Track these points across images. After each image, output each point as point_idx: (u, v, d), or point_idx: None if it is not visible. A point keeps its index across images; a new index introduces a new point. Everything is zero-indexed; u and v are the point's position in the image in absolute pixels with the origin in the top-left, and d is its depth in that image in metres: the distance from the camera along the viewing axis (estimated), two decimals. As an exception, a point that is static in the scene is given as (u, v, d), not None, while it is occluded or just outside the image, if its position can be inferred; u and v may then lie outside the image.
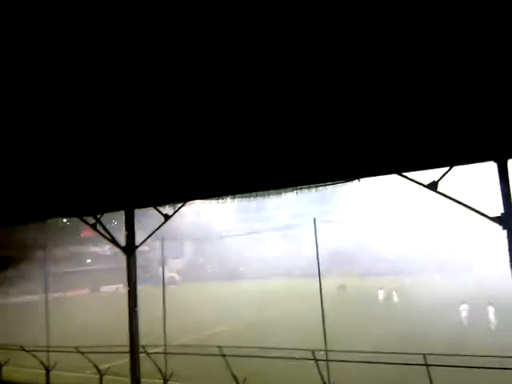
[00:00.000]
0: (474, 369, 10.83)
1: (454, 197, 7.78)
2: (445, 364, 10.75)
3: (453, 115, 6.45)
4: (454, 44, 4.43)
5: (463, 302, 27.87)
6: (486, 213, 7.55)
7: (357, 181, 9.05)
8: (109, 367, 15.44)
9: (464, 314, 27.15)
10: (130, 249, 10.96)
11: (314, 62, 4.84)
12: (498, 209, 7.63)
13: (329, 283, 35.23)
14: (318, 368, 11.85)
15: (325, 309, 13.50)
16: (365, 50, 4.58)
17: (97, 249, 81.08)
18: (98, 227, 11.07)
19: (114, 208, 11.03)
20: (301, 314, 31.38)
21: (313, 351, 12.10)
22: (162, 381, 13.85)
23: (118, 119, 6.63)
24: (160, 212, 10.49)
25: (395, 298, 37.49)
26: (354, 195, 64.13)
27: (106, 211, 10.96)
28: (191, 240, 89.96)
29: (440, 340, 21.28)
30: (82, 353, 15.12)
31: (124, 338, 11.97)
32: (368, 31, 4.20)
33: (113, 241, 11.20)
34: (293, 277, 64.45)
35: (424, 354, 10.84)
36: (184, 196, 9.89)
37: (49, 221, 12.55)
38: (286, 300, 43.67)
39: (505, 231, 7.36)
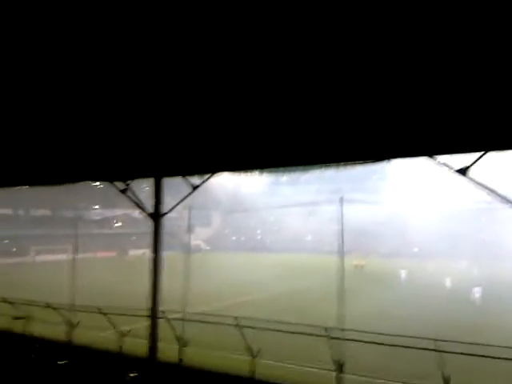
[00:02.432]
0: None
1: (484, 184, 7.59)
2: (459, 352, 10.73)
3: (489, 99, 6.26)
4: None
5: (477, 286, 31.96)
6: (516, 202, 7.36)
7: (386, 161, 8.92)
8: (129, 330, 15.95)
9: (477, 295, 31.49)
10: (157, 216, 11.19)
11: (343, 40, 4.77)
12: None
13: (351, 261, 35.46)
14: (331, 346, 12.01)
15: (346, 287, 13.56)
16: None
17: (127, 213, 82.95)
18: (128, 193, 11.31)
19: (143, 175, 11.21)
20: (322, 290, 31.60)
21: (326, 328, 12.26)
22: (178, 346, 14.27)
23: (151, 87, 6.70)
24: (188, 182, 10.64)
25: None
26: (387, 177, 63.41)
27: (136, 178, 11.15)
28: (219, 211, 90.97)
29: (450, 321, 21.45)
30: (105, 314, 15.67)
31: (146, 302, 12.35)
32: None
33: (141, 207, 11.44)
34: (319, 253, 64.70)
35: (435, 340, 10.81)
36: (212, 167, 9.96)
37: (81, 183, 12.88)
38: (310, 275, 44.04)
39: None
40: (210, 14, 4.41)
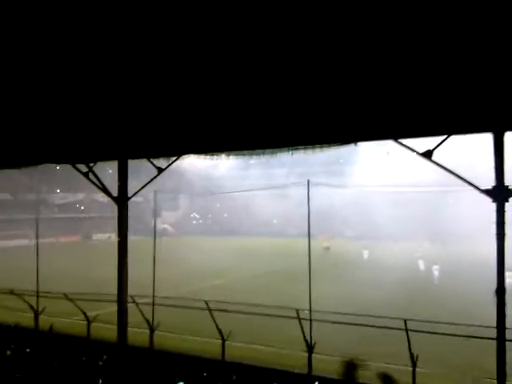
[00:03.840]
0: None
1: (447, 167, 7.77)
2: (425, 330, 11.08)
3: (452, 83, 6.34)
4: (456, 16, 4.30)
5: (435, 264, 35.67)
6: (477, 185, 7.57)
7: (353, 144, 9.00)
8: (97, 315, 15.74)
9: (436, 272, 35.15)
10: (121, 199, 10.98)
11: (315, 27, 4.70)
12: (490, 181, 7.67)
13: (318, 243, 36.07)
14: (302, 327, 12.19)
15: (313, 269, 13.69)
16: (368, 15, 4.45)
17: (91, 196, 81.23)
18: (91, 176, 11.03)
19: (107, 157, 10.94)
20: (292, 272, 32.02)
21: (297, 310, 12.45)
22: (148, 331, 14.18)
23: (114, 68, 6.49)
24: (153, 164, 10.45)
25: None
26: (354, 160, 64.22)
27: (99, 160, 10.87)
28: (187, 194, 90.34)
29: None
30: (71, 299, 15.37)
31: (114, 287, 12.19)
32: None
33: (105, 190, 11.19)
34: (287, 236, 65.32)
35: (405, 320, 11.10)
36: (178, 149, 9.81)
37: (42, 166, 12.46)
38: (278, 258, 44.41)
39: (495, 204, 7.41)
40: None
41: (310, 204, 13.73)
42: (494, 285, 8.01)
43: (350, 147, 9.23)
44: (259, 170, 77.59)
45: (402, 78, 6.31)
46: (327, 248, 50.91)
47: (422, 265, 37.97)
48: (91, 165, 10.96)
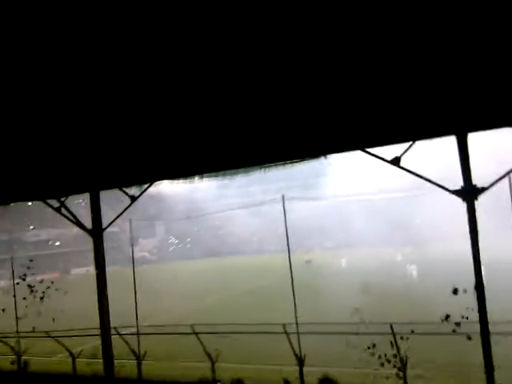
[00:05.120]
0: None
1: (416, 171, 7.95)
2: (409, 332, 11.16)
3: (413, 91, 6.53)
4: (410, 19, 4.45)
5: (412, 263, 37.65)
6: (447, 186, 7.76)
7: (323, 157, 9.16)
8: (81, 350, 15.40)
9: (414, 272, 37.04)
10: (96, 232, 10.81)
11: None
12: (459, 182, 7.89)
13: (298, 257, 36.28)
14: (290, 341, 12.18)
15: (296, 283, 13.73)
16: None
17: (65, 231, 79.61)
18: (63, 210, 10.85)
19: (78, 190, 10.80)
20: (277, 288, 31.92)
21: (283, 325, 12.44)
22: (135, 361, 13.93)
23: (81, 98, 6.45)
24: (126, 193, 10.36)
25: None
26: (326, 172, 65.10)
27: (71, 194, 10.72)
28: (163, 220, 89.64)
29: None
30: (53, 337, 15.01)
31: (96, 321, 11.96)
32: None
33: (78, 224, 11.01)
34: (267, 252, 65.31)
35: (391, 324, 11.19)
36: (150, 176, 9.76)
37: (13, 204, 12.24)
38: (259, 275, 44.28)
39: (465, 204, 7.61)
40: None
41: (288, 218, 13.85)
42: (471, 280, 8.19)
43: (322, 160, 9.40)
44: (239, 189, 77.80)
45: (366, 90, 6.47)
46: (309, 261, 51.08)
47: (403, 268, 38.58)
48: (62, 199, 10.79)
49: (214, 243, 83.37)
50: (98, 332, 12.11)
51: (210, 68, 5.48)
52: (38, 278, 17.54)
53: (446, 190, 7.72)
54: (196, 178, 9.86)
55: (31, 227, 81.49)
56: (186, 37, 4.54)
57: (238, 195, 75.98)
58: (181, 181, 10.24)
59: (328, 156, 9.14)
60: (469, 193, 7.51)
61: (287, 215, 13.99)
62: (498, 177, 7.67)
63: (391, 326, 11.13)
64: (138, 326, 14.32)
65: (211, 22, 4.30)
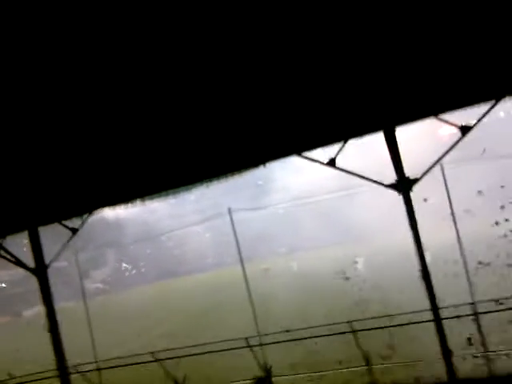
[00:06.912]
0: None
1: (351, 170, 8.18)
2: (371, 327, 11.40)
3: (341, 92, 6.74)
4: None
5: (357, 258, 38.67)
6: (382, 181, 8.04)
7: (262, 166, 9.25)
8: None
9: (358, 266, 37.32)
10: (39, 270, 10.38)
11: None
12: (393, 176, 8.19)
13: (255, 267, 36.33)
14: (254, 354, 12.15)
15: (255, 293, 13.75)
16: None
17: (13, 272, 75.58)
18: (2, 252, 10.35)
19: (15, 229, 10.33)
20: (233, 302, 31.64)
21: (246, 338, 12.38)
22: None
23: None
24: (66, 227, 10.01)
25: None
26: (269, 179, 65.87)
27: (7, 234, 10.25)
28: (112, 247, 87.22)
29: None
30: (8, 385, 14.23)
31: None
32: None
33: (20, 264, 10.52)
34: (224, 265, 64.84)
35: (350, 322, 11.40)
36: (90, 206, 9.50)
37: None
38: (218, 290, 43.85)
39: (401, 196, 7.91)
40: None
41: (240, 229, 13.89)
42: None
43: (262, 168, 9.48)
44: (194, 205, 76.97)
45: (296, 95, 6.60)
46: (267, 269, 51.09)
47: (357, 265, 39.45)
48: (0, 241, 10.30)
49: (169, 264, 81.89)
50: (55, 373, 11.62)
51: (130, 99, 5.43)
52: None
53: (382, 184, 7.99)
54: (137, 202, 9.69)
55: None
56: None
57: (189, 213, 75.22)
58: (129, 205, 10.04)
59: (267, 164, 9.26)
60: (403, 185, 7.81)
61: (239, 227, 14.03)
62: (428, 167, 8.03)
63: (350, 324, 11.34)
64: (96, 360, 13.80)
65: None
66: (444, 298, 9.19)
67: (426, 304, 8.75)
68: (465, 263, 11.21)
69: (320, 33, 4.93)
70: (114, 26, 4.09)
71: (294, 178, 60.48)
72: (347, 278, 33.19)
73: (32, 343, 32.44)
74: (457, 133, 7.82)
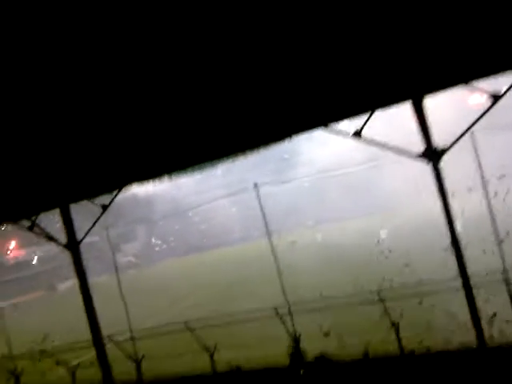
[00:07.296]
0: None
1: (378, 141, 8.07)
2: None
3: (366, 61, 6.59)
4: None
5: (383, 228, 38.17)
6: (410, 151, 7.91)
7: (288, 139, 9.20)
8: (78, 363, 15.36)
9: (383, 235, 36.55)
10: (72, 245, 10.71)
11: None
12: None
13: (282, 240, 36.51)
14: (284, 323, 12.38)
15: (283, 265, 13.95)
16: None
17: (43, 248, 78.02)
18: (36, 229, 10.70)
19: (47, 207, 10.64)
20: (261, 274, 32.01)
21: (275, 308, 12.59)
22: (134, 365, 13.97)
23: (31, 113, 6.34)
24: (95, 204, 10.26)
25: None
26: (295, 153, 65.54)
27: (39, 212, 10.58)
28: (142, 223, 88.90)
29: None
30: (46, 357, 14.95)
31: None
32: None
33: (53, 240, 10.88)
34: (251, 239, 65.28)
35: (379, 291, 11.45)
36: (118, 183, 9.69)
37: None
38: (245, 264, 44.34)
39: (428, 167, 7.78)
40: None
41: (266, 203, 13.98)
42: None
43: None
44: (220, 180, 77.42)
45: (324, 65, 6.48)
46: (294, 242, 51.30)
47: (382, 234, 39.04)
48: (33, 218, 10.63)
49: (198, 238, 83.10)
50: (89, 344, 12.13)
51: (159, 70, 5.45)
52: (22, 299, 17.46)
53: (409, 155, 7.86)
54: (165, 177, 9.81)
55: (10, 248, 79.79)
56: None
57: (215, 188, 75.69)
58: (157, 181, 10.19)
59: (293, 136, 9.21)
60: (431, 156, 7.67)
61: (265, 201, 14.14)
62: (456, 136, 7.84)
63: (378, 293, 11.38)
64: (131, 330, 14.31)
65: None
66: (473, 267, 9.07)
67: (454, 273, 8.69)
68: (496, 231, 10.96)
69: (344, 7, 4.82)
70: (110, 20, 4.07)
71: (320, 151, 59.86)
72: (381, 252, 33.02)
73: (66, 315, 33.77)
74: (484, 102, 7.57)
